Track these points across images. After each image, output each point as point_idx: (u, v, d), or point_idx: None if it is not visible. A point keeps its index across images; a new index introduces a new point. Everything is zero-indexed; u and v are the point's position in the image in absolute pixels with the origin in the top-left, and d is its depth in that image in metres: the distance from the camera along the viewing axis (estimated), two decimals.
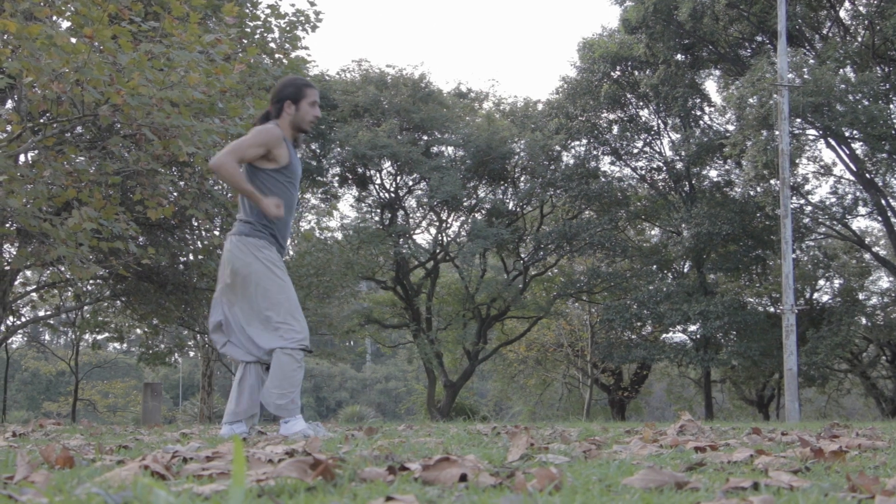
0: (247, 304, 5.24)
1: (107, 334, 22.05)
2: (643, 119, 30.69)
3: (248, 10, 13.31)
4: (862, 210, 26.95)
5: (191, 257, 17.19)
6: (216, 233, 16.63)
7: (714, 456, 3.22)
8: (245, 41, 12.39)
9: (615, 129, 30.65)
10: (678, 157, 29.79)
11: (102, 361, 40.62)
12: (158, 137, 9.17)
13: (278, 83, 5.51)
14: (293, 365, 5.16)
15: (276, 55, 13.20)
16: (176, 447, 3.48)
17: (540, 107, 31.25)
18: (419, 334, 28.95)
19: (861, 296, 30.52)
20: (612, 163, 31.06)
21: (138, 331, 22.10)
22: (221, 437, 4.93)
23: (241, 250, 5.23)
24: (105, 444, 4.01)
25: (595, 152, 30.43)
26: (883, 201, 25.51)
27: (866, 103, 22.70)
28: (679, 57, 28.63)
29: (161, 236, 16.22)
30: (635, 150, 30.85)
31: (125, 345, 38.05)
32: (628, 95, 30.08)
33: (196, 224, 16.73)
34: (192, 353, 33.58)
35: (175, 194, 13.23)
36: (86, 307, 20.53)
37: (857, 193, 26.70)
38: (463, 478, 2.32)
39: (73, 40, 8.31)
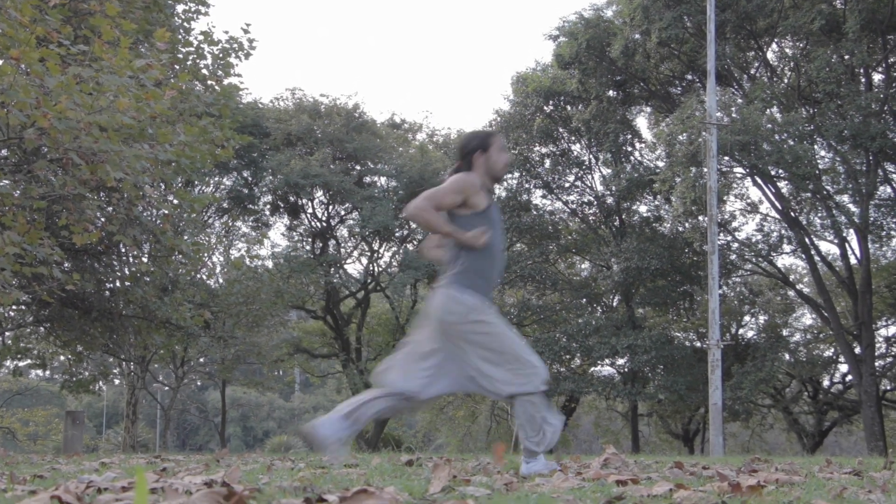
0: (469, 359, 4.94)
1: (29, 361, 21.60)
2: (575, 153, 30.99)
3: (180, 36, 13.23)
4: (787, 248, 27.43)
5: (117, 284, 16.95)
6: (144, 259, 16.42)
7: (634, 490, 3.24)
8: (177, 67, 12.28)
9: (547, 162, 30.89)
10: (609, 192, 30.13)
11: (24, 389, 39.69)
12: (86, 162, 9.02)
13: (461, 139, 5.35)
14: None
15: (209, 82, 13.07)
16: (92, 477, 3.41)
17: None
18: (349, 364, 28.81)
19: (785, 332, 31.03)
20: (544, 196, 31.31)
21: (62, 357, 21.67)
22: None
23: (449, 304, 4.94)
24: (19, 474, 3.92)
25: (527, 185, 30.64)
26: (807, 240, 25.98)
27: (792, 143, 23.12)
28: (611, 93, 28.99)
29: (87, 262, 15.96)
30: (567, 184, 31.13)
31: (48, 372, 37.24)
32: (560, 130, 30.37)
33: (123, 250, 16.51)
34: (116, 381, 33.00)
35: (102, 220, 13.03)
36: (7, 333, 20.10)
37: (783, 231, 27.13)
38: None
39: None
